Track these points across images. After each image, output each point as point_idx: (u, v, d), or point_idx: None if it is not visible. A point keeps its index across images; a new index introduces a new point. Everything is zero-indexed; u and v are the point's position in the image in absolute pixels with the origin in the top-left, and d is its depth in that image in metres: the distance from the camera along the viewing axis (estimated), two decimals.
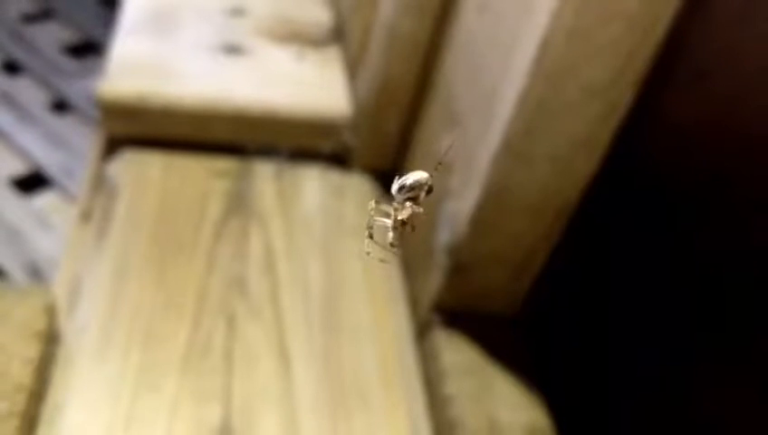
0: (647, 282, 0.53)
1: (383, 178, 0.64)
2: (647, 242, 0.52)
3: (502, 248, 0.49)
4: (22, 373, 0.44)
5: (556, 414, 0.48)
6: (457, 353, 0.50)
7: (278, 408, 0.47)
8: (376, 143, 0.63)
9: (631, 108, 0.43)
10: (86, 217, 0.60)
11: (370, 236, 0.25)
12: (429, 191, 0.25)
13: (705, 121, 0.47)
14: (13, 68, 1.14)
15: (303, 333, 0.51)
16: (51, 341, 0.48)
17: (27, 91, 1.09)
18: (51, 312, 0.48)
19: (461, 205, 0.48)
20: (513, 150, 0.43)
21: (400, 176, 0.25)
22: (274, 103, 0.63)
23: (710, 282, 0.49)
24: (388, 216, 0.25)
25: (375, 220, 0.25)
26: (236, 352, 0.49)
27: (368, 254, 0.25)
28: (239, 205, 0.59)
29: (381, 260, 0.26)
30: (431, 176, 0.24)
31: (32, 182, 0.91)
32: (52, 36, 1.22)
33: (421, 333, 0.53)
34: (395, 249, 0.25)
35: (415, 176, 0.24)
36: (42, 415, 0.45)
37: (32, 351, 0.45)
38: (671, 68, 0.46)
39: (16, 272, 0.77)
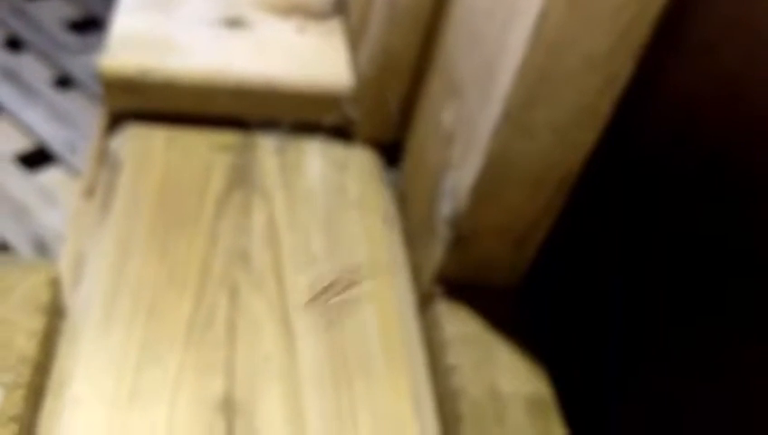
0: (647, 254, 0.53)
1: (385, 150, 0.64)
2: (647, 215, 0.52)
3: (503, 219, 0.49)
4: (27, 346, 0.44)
5: (557, 384, 0.49)
6: (459, 324, 0.50)
7: (281, 379, 0.47)
8: (378, 116, 0.63)
9: (634, 80, 0.43)
10: (90, 191, 0.60)
11: None
12: None
13: (709, 96, 0.47)
14: (16, 44, 1.14)
15: (306, 305, 0.51)
16: (56, 314, 0.48)
17: (30, 67, 1.09)
18: (55, 285, 0.48)
19: (462, 176, 0.48)
20: (514, 121, 0.43)
21: None
22: (276, 76, 0.63)
23: (710, 256, 0.49)
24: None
25: None
26: (239, 325, 0.49)
27: None
28: (242, 178, 0.59)
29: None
30: None
31: (36, 158, 0.91)
32: (54, 13, 1.22)
33: (423, 304, 0.54)
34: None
35: None
36: (48, 387, 0.45)
37: (36, 323, 0.45)
38: (676, 40, 0.45)
39: (23, 246, 0.78)
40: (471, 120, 0.47)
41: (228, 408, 0.45)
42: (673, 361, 0.53)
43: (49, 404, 0.45)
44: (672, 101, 0.48)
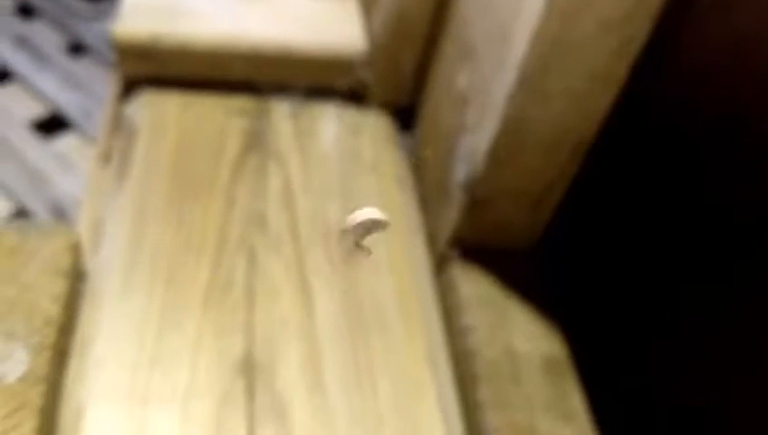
0: (660, 216, 0.53)
1: (399, 114, 0.65)
2: (660, 177, 0.52)
3: (518, 183, 0.49)
4: (51, 309, 0.45)
5: (572, 345, 0.49)
6: (475, 286, 0.51)
7: (300, 339, 0.48)
8: (392, 79, 0.63)
9: (649, 42, 0.43)
10: (106, 157, 0.61)
11: None
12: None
13: (724, 58, 0.46)
14: (28, 11, 1.14)
15: (323, 268, 0.52)
16: (77, 278, 0.49)
17: (43, 34, 1.09)
18: (75, 250, 0.49)
19: (477, 140, 0.48)
20: (529, 86, 0.43)
21: None
22: (289, 41, 0.63)
23: (721, 217, 0.49)
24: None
25: None
26: (258, 287, 0.50)
27: None
28: (257, 143, 0.60)
29: None
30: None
31: (51, 125, 0.91)
32: None
33: (439, 267, 0.54)
34: None
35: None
36: (72, 348, 0.46)
37: (59, 287, 0.46)
38: (689, 1, 0.45)
39: (41, 213, 0.79)
40: (485, 84, 0.47)
41: (249, 369, 0.46)
42: (685, 320, 0.53)
43: (74, 365, 0.46)
44: (686, 62, 0.48)
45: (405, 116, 0.64)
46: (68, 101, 0.95)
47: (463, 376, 0.48)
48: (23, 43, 1.05)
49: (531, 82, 0.43)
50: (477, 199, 0.50)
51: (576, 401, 0.46)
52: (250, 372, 0.46)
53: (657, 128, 0.51)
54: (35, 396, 0.41)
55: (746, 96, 0.46)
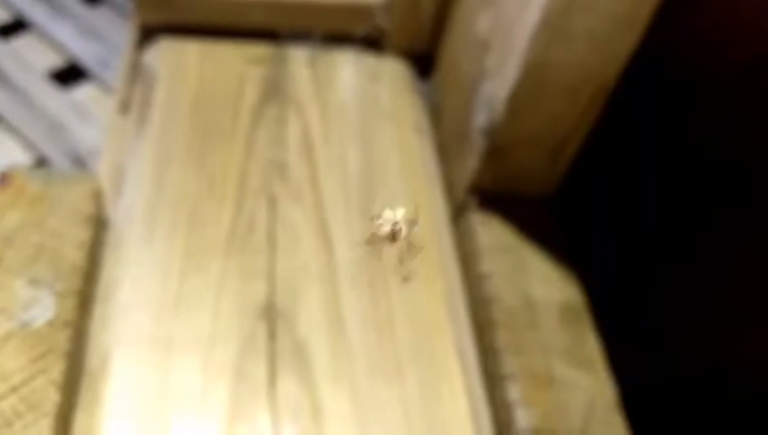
0: (680, 166, 0.53)
1: (418, 60, 0.64)
2: (680, 126, 0.52)
3: (539, 129, 0.49)
4: (75, 255, 0.46)
5: (590, 292, 0.49)
6: (493, 233, 0.51)
7: (320, 285, 0.48)
8: (411, 25, 0.62)
9: None
10: (124, 106, 0.61)
11: None
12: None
13: (747, 7, 0.45)
14: None
15: (343, 215, 0.52)
16: (100, 225, 0.49)
17: None
18: (98, 197, 0.50)
19: (498, 85, 0.48)
20: (552, 28, 0.43)
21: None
22: None
23: (742, 169, 0.49)
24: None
25: None
26: (279, 233, 0.50)
27: None
28: (275, 91, 0.59)
29: None
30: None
31: (69, 74, 0.91)
32: None
33: (457, 214, 0.54)
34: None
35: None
36: (96, 294, 0.47)
37: (83, 234, 0.47)
38: None
39: (61, 162, 0.79)
40: (508, 27, 0.47)
41: (270, 314, 0.47)
42: (700, 268, 0.53)
43: (98, 312, 0.46)
44: (708, 11, 0.47)
45: (423, 63, 0.64)
46: (85, 51, 0.95)
47: (480, 322, 0.49)
48: None
49: (554, 22, 0.42)
50: (497, 147, 0.49)
51: (592, 347, 0.46)
52: (271, 316, 0.46)
53: (681, 77, 0.50)
54: (62, 341, 0.42)
55: (762, 47, 0.45)
